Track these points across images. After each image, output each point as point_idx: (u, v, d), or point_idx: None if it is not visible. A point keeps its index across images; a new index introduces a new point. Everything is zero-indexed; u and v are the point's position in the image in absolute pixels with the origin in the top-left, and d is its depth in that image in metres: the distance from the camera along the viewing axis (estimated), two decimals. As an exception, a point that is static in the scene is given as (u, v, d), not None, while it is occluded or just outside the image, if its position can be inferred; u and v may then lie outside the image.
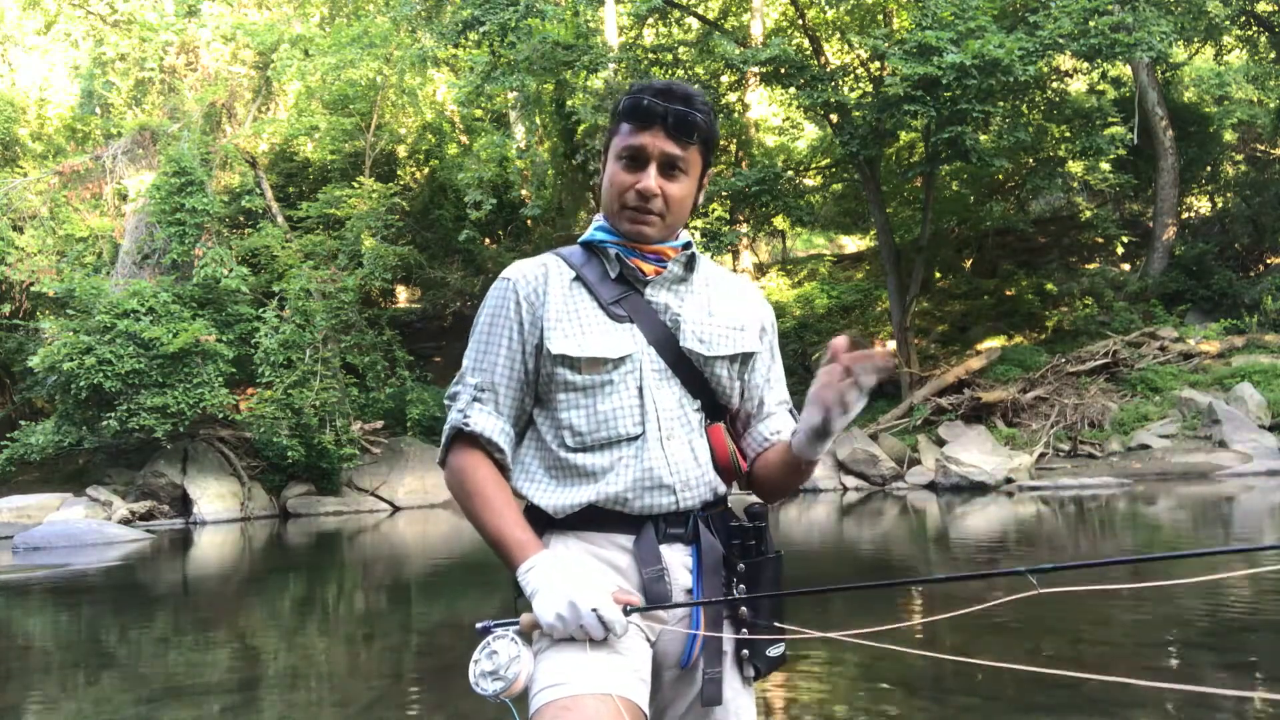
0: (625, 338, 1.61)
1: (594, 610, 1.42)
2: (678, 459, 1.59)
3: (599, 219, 1.70)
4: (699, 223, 18.09)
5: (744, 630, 1.58)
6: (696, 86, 1.64)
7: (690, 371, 1.63)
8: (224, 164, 17.51)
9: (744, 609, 1.58)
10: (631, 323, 1.62)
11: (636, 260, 1.64)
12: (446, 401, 1.70)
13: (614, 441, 1.59)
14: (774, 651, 1.59)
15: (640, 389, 1.60)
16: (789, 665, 1.61)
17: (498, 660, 1.45)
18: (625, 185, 1.61)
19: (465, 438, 1.63)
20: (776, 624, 1.60)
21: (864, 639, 1.47)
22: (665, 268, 1.65)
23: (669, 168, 1.60)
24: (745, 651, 1.57)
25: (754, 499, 1.72)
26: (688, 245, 1.69)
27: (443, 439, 1.67)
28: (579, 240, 1.73)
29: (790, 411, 1.76)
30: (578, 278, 1.65)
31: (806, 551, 8.64)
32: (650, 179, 1.59)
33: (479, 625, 1.52)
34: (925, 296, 19.21)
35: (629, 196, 1.61)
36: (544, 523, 1.62)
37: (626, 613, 1.46)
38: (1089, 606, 5.57)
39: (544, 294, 1.64)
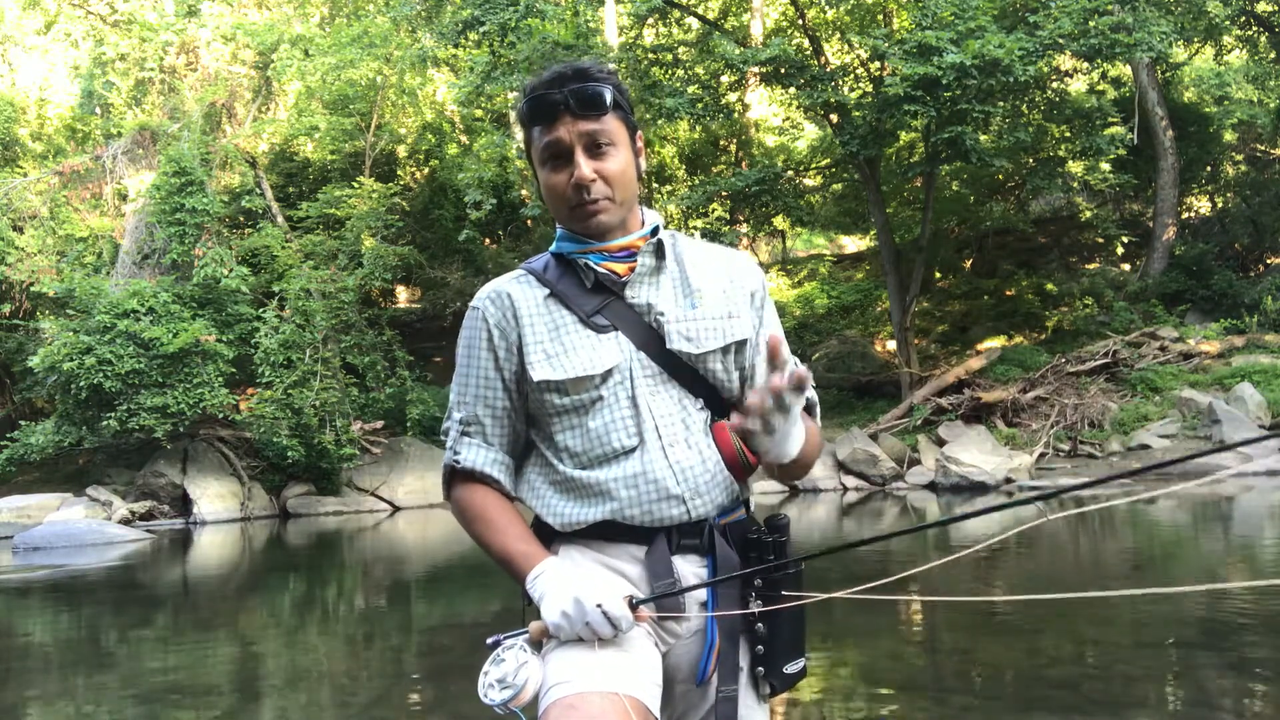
0: (610, 349, 1.54)
1: (599, 606, 1.40)
2: (684, 466, 1.53)
3: (560, 229, 1.63)
4: (699, 223, 18.11)
5: (760, 648, 1.52)
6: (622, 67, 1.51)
7: (685, 370, 1.56)
8: (224, 164, 17.49)
9: (760, 624, 1.52)
10: (615, 330, 1.56)
11: (608, 265, 1.57)
12: (441, 437, 1.68)
13: (612, 456, 1.53)
14: (792, 669, 1.53)
15: (633, 398, 1.54)
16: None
17: (505, 668, 1.43)
18: (561, 185, 1.54)
19: (461, 474, 1.62)
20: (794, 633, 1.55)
21: (866, 594, 1.43)
22: (637, 261, 1.58)
23: (594, 147, 1.52)
24: (760, 669, 1.53)
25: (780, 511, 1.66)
26: (655, 231, 1.62)
27: (442, 478, 1.67)
28: (550, 250, 1.65)
29: None
30: (552, 293, 1.59)
31: (807, 551, 8.64)
32: (581, 166, 1.51)
33: (489, 640, 1.49)
34: (925, 296, 19.20)
35: (569, 194, 1.53)
36: (553, 535, 1.59)
37: (633, 606, 1.43)
38: (1089, 605, 5.57)
39: (516, 318, 1.58)
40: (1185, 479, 11.94)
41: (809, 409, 1.65)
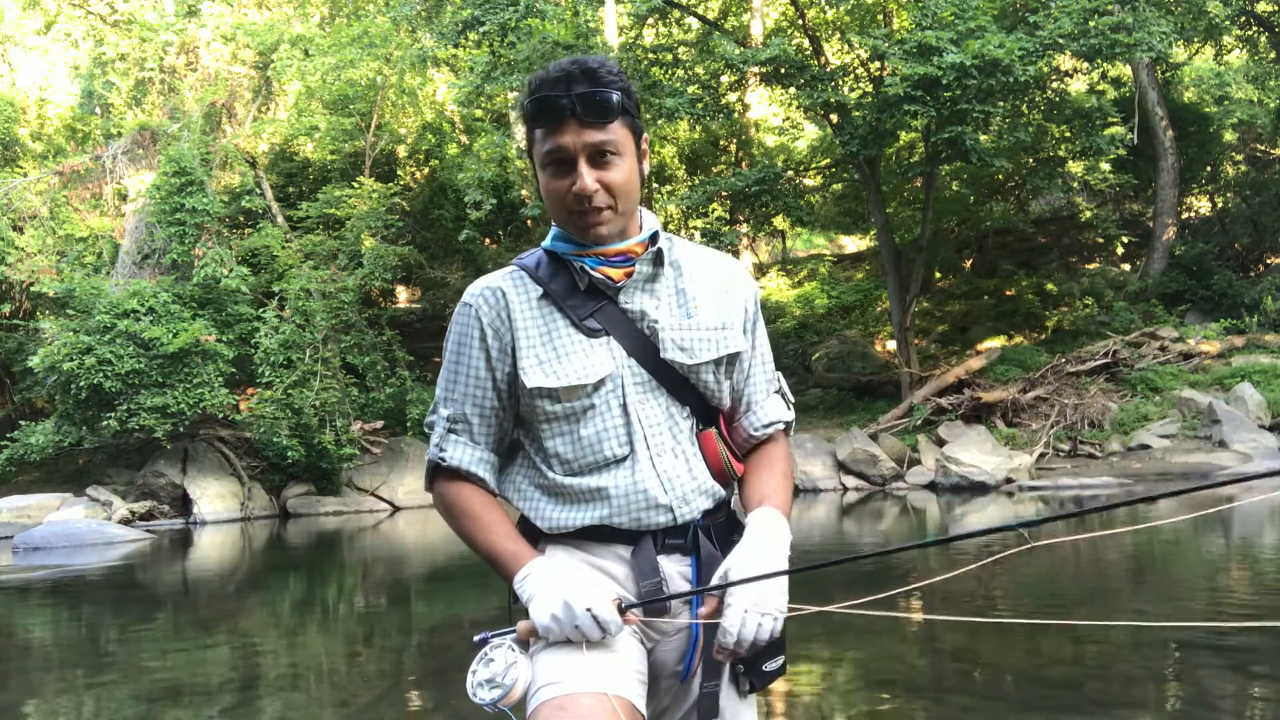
0: (602, 355, 1.54)
1: (588, 609, 1.41)
2: (671, 475, 1.54)
3: (556, 228, 1.61)
4: (699, 222, 18.10)
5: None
6: (607, 59, 1.45)
7: (675, 379, 1.57)
8: (224, 164, 17.48)
9: None
10: (608, 335, 1.55)
11: (603, 269, 1.55)
12: (425, 430, 1.67)
13: (602, 465, 1.54)
14: (770, 666, 1.54)
15: (624, 406, 1.54)
16: (789, 664, 1.59)
17: (494, 668, 1.44)
18: (562, 192, 1.50)
19: (445, 471, 1.61)
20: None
21: (860, 609, 1.44)
22: (634, 267, 1.56)
23: (598, 157, 1.48)
24: (740, 667, 1.53)
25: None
26: (654, 237, 1.59)
27: (425, 472, 1.66)
28: (542, 246, 1.62)
29: (779, 393, 1.70)
30: (545, 294, 1.57)
31: (808, 551, 8.63)
32: (584, 178, 1.47)
33: (476, 638, 1.50)
34: (925, 296, 19.20)
35: (569, 202, 1.50)
36: (539, 535, 1.60)
37: (621, 610, 1.44)
38: (1089, 605, 5.57)
39: (509, 318, 1.56)
40: (1187, 481, 11.92)
41: (786, 429, 1.71)
